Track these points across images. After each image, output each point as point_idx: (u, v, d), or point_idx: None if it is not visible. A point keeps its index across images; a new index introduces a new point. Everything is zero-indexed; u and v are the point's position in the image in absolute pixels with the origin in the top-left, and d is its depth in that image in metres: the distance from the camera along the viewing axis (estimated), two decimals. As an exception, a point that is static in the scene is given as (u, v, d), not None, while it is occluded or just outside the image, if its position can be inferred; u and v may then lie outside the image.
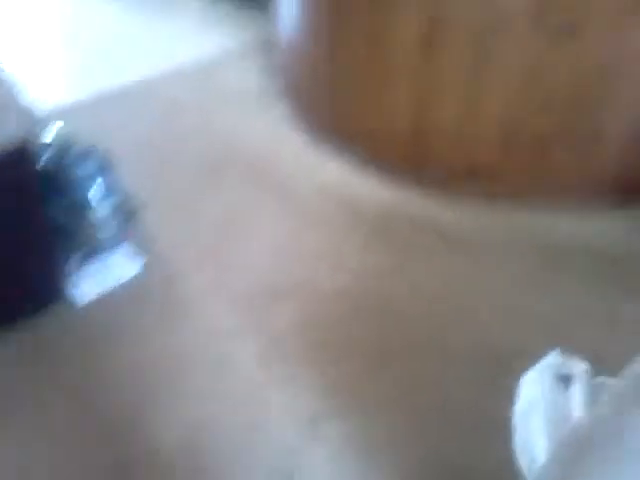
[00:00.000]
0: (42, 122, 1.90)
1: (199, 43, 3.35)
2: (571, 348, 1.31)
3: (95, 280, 1.82)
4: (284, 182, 2.28)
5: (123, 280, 1.84)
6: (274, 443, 1.46)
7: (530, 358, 1.30)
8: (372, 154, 2.30)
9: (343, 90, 2.34)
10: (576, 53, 1.87)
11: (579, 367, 1.30)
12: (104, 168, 1.92)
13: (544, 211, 2.07)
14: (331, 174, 2.30)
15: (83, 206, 1.85)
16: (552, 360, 1.32)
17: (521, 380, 1.31)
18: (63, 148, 1.85)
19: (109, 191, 1.90)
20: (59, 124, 1.92)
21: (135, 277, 1.85)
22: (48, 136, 1.87)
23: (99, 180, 1.89)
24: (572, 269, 1.88)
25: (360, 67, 2.21)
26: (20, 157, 1.51)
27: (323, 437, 1.47)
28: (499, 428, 1.28)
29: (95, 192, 1.87)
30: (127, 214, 1.94)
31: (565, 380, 1.30)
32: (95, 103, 2.76)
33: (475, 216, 2.07)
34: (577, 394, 1.25)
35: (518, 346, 1.58)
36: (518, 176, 2.14)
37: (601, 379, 1.25)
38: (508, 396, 1.28)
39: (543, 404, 1.28)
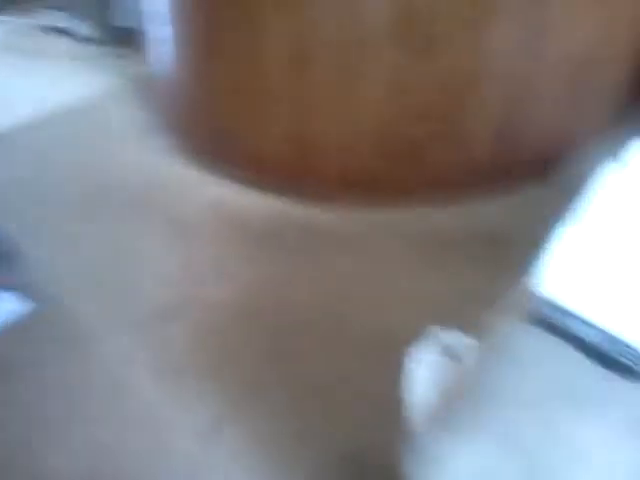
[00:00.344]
0: None
1: (73, 85, 3.34)
2: (461, 327, 1.41)
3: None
4: (170, 206, 2.30)
5: (11, 318, 1.77)
6: (177, 455, 1.46)
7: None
8: (254, 172, 2.38)
9: (220, 113, 2.41)
10: (437, 63, 2.04)
11: (463, 341, 1.41)
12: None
13: (427, 207, 2.21)
14: (216, 194, 2.35)
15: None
16: (434, 338, 1.43)
17: (408, 359, 1.40)
18: None
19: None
20: None
21: (23, 314, 1.79)
22: None
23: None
24: (459, 254, 2.01)
25: (234, 89, 2.29)
26: None
27: (225, 441, 1.48)
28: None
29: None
30: (6, 255, 1.89)
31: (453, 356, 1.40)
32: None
33: (361, 220, 2.19)
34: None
35: (413, 330, 1.66)
36: (398, 180, 2.28)
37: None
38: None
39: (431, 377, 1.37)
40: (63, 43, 3.83)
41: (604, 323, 0.84)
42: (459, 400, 0.84)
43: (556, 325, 0.86)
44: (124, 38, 3.67)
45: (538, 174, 2.32)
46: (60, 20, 4.01)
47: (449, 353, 1.44)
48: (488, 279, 1.86)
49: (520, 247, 1.98)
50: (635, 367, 0.81)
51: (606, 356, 0.82)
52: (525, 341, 0.86)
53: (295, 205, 2.26)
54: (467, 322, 1.42)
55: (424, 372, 1.41)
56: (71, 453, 1.46)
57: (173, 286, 1.93)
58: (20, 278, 1.90)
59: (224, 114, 2.40)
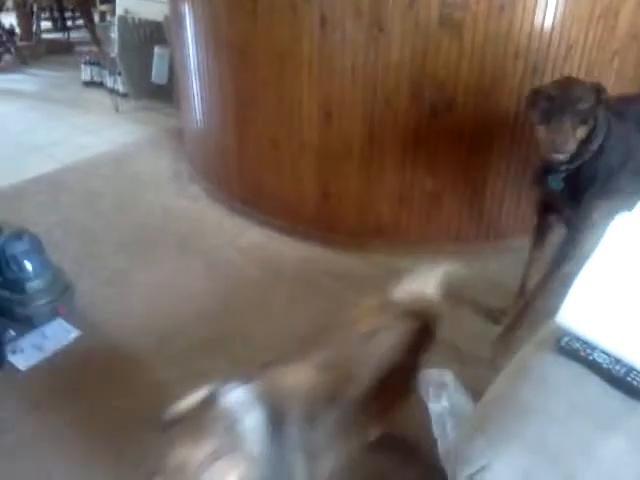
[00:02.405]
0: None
1: (112, 135, 3.56)
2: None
3: (36, 347, 1.89)
4: (208, 250, 2.46)
5: (63, 346, 1.91)
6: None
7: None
8: (285, 221, 2.54)
9: (250, 166, 2.60)
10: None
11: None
12: (35, 247, 2.03)
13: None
14: (250, 239, 2.51)
15: (18, 283, 1.93)
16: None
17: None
18: (-7, 231, 1.96)
19: (42, 268, 2.00)
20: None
21: (75, 344, 1.93)
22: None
23: (31, 258, 1.98)
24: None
25: (263, 144, 2.48)
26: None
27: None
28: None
29: (27, 270, 1.97)
30: (60, 288, 2.04)
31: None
32: (15, 193, 2.87)
33: (381, 265, 2.33)
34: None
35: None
36: (412, 231, 2.43)
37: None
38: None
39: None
40: (102, 96, 4.09)
41: (620, 351, 0.97)
42: (492, 416, 0.95)
43: (578, 354, 0.99)
44: (159, 93, 3.92)
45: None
46: (99, 75, 4.28)
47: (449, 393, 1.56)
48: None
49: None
50: (648, 390, 0.93)
51: (622, 381, 0.94)
52: (551, 367, 0.98)
53: (324, 251, 2.41)
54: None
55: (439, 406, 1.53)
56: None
57: (215, 324, 2.06)
58: (73, 308, 2.05)
59: (254, 166, 2.58)
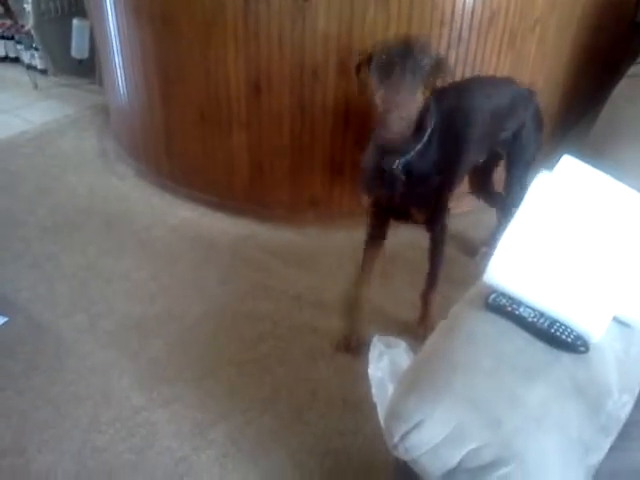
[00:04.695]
0: None
1: (32, 114, 3.39)
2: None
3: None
4: (138, 230, 2.39)
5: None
6: (163, 458, 1.54)
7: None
8: (217, 197, 2.50)
9: (179, 142, 2.53)
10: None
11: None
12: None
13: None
14: (181, 217, 2.46)
15: None
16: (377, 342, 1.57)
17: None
18: None
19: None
20: None
21: (1, 328, 1.85)
22: None
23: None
24: (403, 268, 2.17)
25: (191, 119, 2.42)
26: None
27: (209, 442, 1.57)
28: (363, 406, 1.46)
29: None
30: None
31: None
32: None
33: (315, 238, 2.34)
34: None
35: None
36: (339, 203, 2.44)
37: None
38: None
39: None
40: (18, 73, 3.87)
41: (544, 305, 1.00)
42: (423, 373, 0.97)
43: (505, 309, 1.02)
44: (80, 68, 3.75)
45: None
46: (14, 50, 4.05)
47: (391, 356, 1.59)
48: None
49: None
50: (570, 340, 0.97)
51: (546, 333, 0.98)
52: (479, 323, 1.01)
53: (258, 226, 2.39)
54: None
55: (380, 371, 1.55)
56: (57, 458, 1.52)
57: (145, 302, 2.02)
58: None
59: (183, 142, 2.52)
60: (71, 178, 2.75)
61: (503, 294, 1.04)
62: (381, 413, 1.49)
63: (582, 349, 0.97)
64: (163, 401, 1.68)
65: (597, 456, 0.93)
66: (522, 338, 0.99)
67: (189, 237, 2.36)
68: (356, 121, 2.23)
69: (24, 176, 2.75)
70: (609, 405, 0.96)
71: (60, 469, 1.50)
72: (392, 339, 1.60)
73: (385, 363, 1.53)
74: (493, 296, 1.04)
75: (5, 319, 1.90)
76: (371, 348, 1.58)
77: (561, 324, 0.99)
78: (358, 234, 1.89)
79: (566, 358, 0.97)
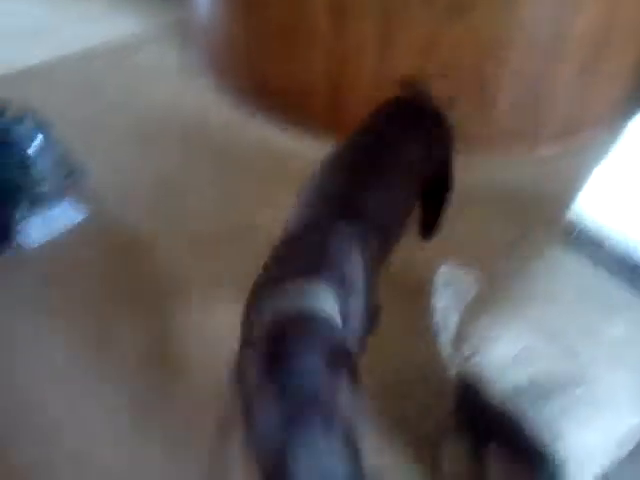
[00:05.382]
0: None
1: (114, 24, 3.42)
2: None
3: (43, 227, 1.92)
4: (213, 144, 2.43)
5: (70, 227, 1.94)
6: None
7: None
8: (294, 112, 2.50)
9: (259, 58, 2.53)
10: (465, 28, 2.15)
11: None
12: (41, 128, 2.00)
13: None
14: (258, 132, 2.48)
15: (25, 161, 1.93)
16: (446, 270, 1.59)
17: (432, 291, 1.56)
18: (-2, 112, 1.93)
19: (48, 148, 1.99)
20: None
21: (82, 226, 1.96)
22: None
23: (38, 138, 1.97)
24: (478, 204, 2.14)
25: (275, 32, 2.39)
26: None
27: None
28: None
29: (35, 149, 1.95)
30: (67, 170, 2.03)
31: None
32: (16, 78, 2.79)
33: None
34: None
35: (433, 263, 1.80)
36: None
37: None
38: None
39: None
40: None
41: (629, 243, 1.00)
42: (495, 296, 0.99)
43: (590, 245, 1.02)
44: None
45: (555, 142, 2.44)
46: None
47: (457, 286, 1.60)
48: (507, 231, 2.00)
49: (537, 204, 2.13)
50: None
51: (630, 272, 0.98)
52: (562, 256, 1.01)
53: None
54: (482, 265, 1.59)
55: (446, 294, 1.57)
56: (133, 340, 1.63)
57: (218, 216, 2.08)
58: (81, 191, 2.07)
59: (264, 55, 2.51)
60: (150, 90, 2.79)
61: (588, 231, 1.04)
62: (444, 341, 1.53)
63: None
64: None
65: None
66: (604, 276, 0.99)
67: (265, 155, 2.39)
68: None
69: (103, 87, 2.80)
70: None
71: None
72: (459, 270, 1.61)
73: (450, 292, 1.56)
74: (578, 231, 1.04)
75: (86, 215, 2.00)
76: (436, 277, 1.60)
77: (646, 265, 0.99)
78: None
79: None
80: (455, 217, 2.00)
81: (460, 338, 0.98)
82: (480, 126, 2.39)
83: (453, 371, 0.99)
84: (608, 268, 0.99)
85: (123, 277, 1.83)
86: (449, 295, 1.54)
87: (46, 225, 1.93)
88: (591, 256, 1.01)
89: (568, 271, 0.98)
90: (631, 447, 0.89)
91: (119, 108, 2.65)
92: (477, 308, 1.02)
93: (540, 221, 1.78)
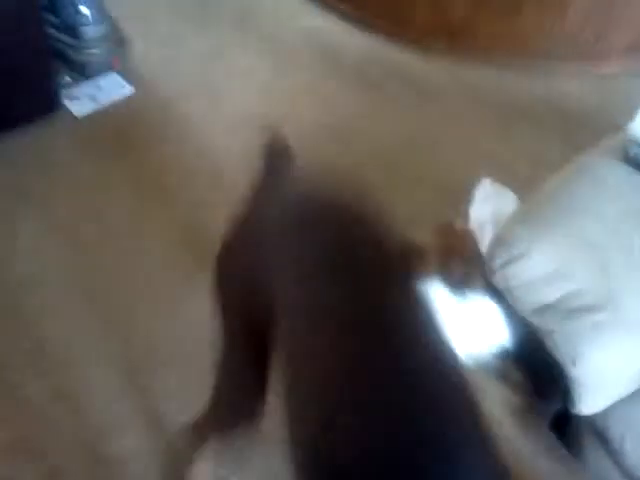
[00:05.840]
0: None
1: None
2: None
3: (90, 97, 1.91)
4: (264, 29, 2.34)
5: (116, 99, 1.92)
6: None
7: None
8: (355, 6, 2.36)
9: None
10: None
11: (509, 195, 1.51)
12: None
13: (511, 70, 2.19)
14: (314, 22, 2.37)
15: (74, 26, 1.89)
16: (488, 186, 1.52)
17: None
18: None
19: (98, 16, 1.94)
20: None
21: (128, 98, 1.94)
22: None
23: (89, 3, 1.91)
24: (532, 121, 2.03)
25: None
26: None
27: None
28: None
29: (84, 15, 1.91)
30: (116, 41, 2.00)
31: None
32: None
33: (447, 71, 2.20)
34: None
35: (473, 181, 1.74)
36: (489, 35, 2.24)
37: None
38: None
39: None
40: None
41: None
42: (536, 209, 0.94)
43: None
44: None
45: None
46: None
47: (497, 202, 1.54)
48: (557, 149, 1.89)
49: (595, 124, 2.00)
50: None
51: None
52: (613, 172, 0.95)
53: (391, 46, 2.26)
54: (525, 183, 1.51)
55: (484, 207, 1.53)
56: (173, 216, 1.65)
57: (269, 102, 2.02)
58: (128, 64, 2.03)
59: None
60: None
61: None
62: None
63: None
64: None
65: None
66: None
67: (317, 45, 2.28)
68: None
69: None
70: None
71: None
72: (501, 187, 1.56)
73: (489, 207, 1.51)
74: (635, 149, 0.97)
75: (132, 89, 1.97)
76: (478, 189, 1.54)
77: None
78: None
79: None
80: (505, 134, 1.91)
81: (494, 247, 0.94)
82: (544, 38, 2.21)
83: (488, 274, 0.95)
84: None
85: (161, 157, 1.82)
86: (486, 209, 1.49)
87: (92, 96, 1.91)
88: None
89: (617, 189, 0.92)
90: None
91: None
92: (516, 219, 0.98)
93: (595, 142, 1.69)
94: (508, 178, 1.71)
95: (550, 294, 0.85)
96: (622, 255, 0.83)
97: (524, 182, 1.52)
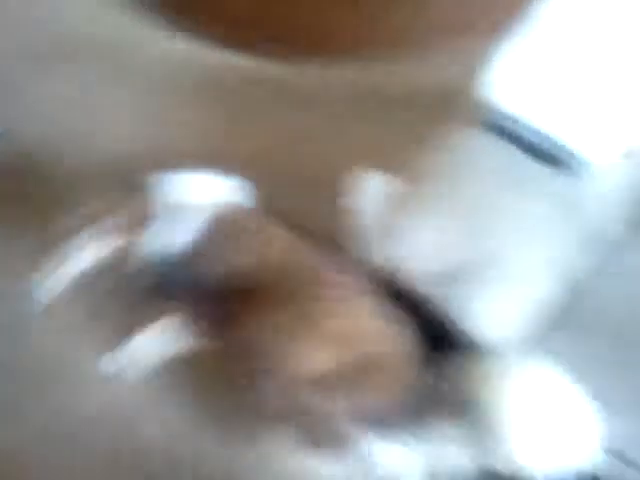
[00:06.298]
0: None
1: None
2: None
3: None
4: (131, 61, 2.28)
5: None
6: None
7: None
8: (207, 24, 2.35)
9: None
10: None
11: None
12: None
13: (381, 62, 2.23)
14: (178, 49, 2.34)
15: None
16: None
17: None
18: None
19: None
20: None
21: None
22: None
23: None
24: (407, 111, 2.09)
25: None
26: None
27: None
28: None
29: None
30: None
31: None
32: None
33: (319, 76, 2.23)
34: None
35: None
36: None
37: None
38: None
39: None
40: None
41: (543, 126, 0.98)
42: (414, 186, 0.97)
43: (504, 129, 1.00)
44: None
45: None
46: None
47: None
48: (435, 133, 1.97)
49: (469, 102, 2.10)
50: (568, 161, 0.96)
51: (544, 153, 0.97)
52: (476, 141, 0.99)
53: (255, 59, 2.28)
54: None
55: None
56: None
57: (136, 134, 1.96)
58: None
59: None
60: (62, 3, 2.58)
61: (503, 114, 1.02)
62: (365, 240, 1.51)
63: (577, 169, 0.96)
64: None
65: (579, 274, 0.95)
66: (520, 157, 0.98)
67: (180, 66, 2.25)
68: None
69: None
70: (597, 228, 0.97)
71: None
72: (376, 176, 1.58)
73: (366, 197, 1.53)
74: (493, 116, 1.02)
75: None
76: (359, 181, 1.56)
77: (561, 145, 0.98)
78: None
79: (562, 180, 0.96)
80: (386, 125, 1.95)
81: (379, 236, 0.96)
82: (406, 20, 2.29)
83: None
84: (525, 150, 0.98)
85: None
86: (368, 198, 1.52)
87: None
88: (508, 139, 0.99)
89: (484, 153, 0.97)
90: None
91: (24, 26, 2.44)
92: (396, 201, 1.01)
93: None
94: (393, 165, 1.76)
95: (437, 264, 0.88)
96: (497, 217, 0.88)
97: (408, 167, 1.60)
